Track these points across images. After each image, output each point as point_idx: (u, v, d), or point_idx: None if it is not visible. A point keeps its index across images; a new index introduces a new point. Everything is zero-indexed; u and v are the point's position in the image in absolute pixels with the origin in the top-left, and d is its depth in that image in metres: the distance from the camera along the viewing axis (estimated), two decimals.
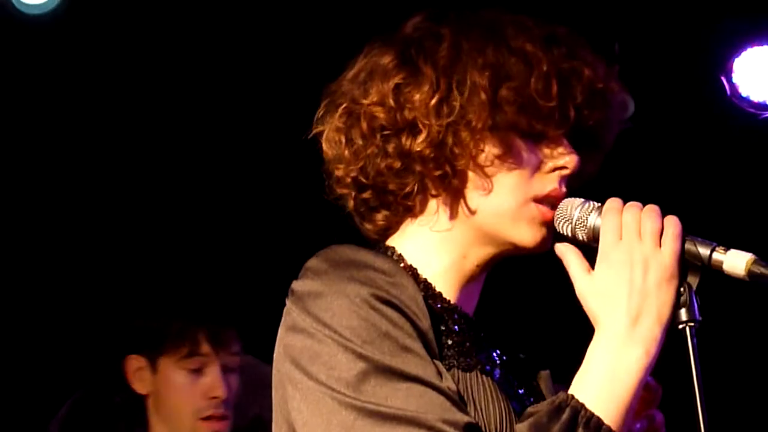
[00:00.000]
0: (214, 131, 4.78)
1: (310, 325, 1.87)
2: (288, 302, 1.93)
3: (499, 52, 1.98)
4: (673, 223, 1.90)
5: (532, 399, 2.06)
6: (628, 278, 1.87)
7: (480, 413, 1.90)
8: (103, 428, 4.00)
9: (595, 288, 1.89)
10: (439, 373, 1.85)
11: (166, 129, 4.78)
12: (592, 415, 1.80)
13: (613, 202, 1.94)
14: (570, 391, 1.84)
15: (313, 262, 1.94)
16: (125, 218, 4.89)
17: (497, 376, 2.01)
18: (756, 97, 4.73)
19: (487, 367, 2.00)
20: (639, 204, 1.93)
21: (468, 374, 1.94)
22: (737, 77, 4.72)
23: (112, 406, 4.03)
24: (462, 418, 1.80)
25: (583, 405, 1.81)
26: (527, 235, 2.01)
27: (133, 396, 3.81)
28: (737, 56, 4.72)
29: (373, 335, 1.83)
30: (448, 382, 1.84)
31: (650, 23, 4.58)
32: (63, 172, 4.79)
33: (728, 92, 4.73)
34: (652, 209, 1.91)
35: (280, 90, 4.47)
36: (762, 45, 4.73)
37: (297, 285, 1.93)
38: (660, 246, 1.88)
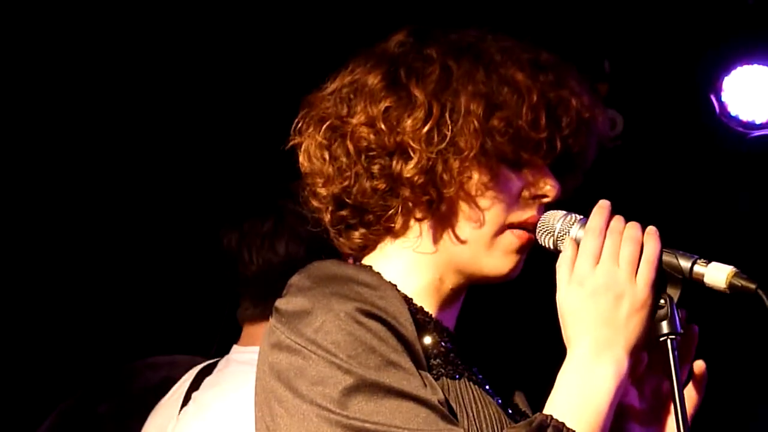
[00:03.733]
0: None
1: (296, 342, 1.87)
2: (272, 320, 1.94)
3: (491, 80, 2.00)
4: (651, 247, 1.91)
5: (510, 410, 2.07)
6: (600, 308, 1.88)
7: (472, 419, 1.92)
8: None
9: (568, 307, 1.90)
10: (427, 385, 1.85)
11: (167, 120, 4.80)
12: None
13: (595, 221, 1.94)
14: (546, 411, 1.85)
15: (296, 279, 1.95)
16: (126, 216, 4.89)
17: (478, 385, 2.02)
18: (745, 116, 4.74)
19: (475, 376, 2.02)
20: (621, 224, 1.93)
21: (457, 382, 1.95)
22: (726, 96, 4.73)
23: (96, 417, 4.04)
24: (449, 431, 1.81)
25: (563, 423, 1.82)
26: (498, 265, 2.04)
27: (118, 405, 3.82)
28: (727, 75, 4.73)
29: (359, 350, 1.84)
30: (436, 394, 1.85)
31: (640, 41, 4.59)
32: (67, 162, 4.79)
33: (717, 111, 4.74)
34: (632, 235, 1.91)
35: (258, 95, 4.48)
36: (751, 64, 4.74)
37: (281, 303, 1.94)
38: (636, 274, 1.89)
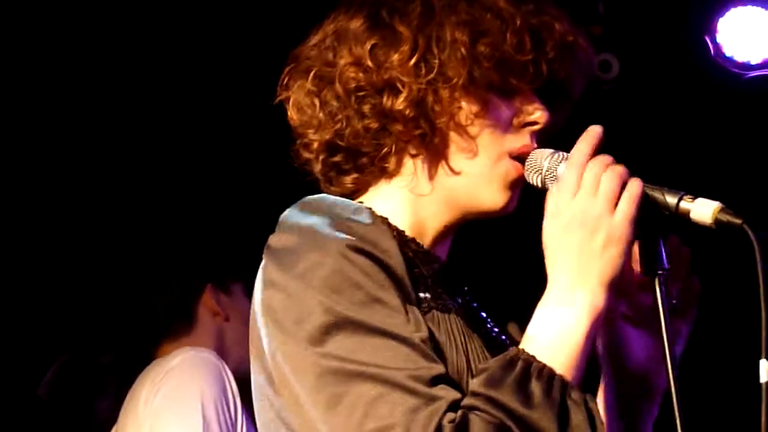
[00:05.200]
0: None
1: (284, 279, 1.88)
2: (264, 257, 1.94)
3: (473, 9, 2.00)
4: (632, 185, 1.89)
5: (504, 337, 2.10)
6: (574, 240, 1.86)
7: (462, 351, 1.92)
8: (91, 390, 4.03)
9: (546, 241, 1.90)
10: (411, 321, 1.85)
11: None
12: (544, 365, 1.81)
13: (577, 155, 1.92)
14: (521, 345, 1.86)
15: (287, 214, 1.95)
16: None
17: (470, 315, 2.05)
18: (740, 57, 4.73)
19: (461, 306, 2.04)
20: (606, 159, 1.91)
21: (447, 315, 1.96)
22: (721, 37, 4.72)
23: (99, 368, 4.06)
24: (430, 371, 1.80)
25: (533, 357, 1.82)
26: (495, 198, 2.03)
27: (120, 356, 3.84)
28: (721, 16, 4.72)
29: (345, 285, 1.83)
30: (420, 331, 1.84)
31: None
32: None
33: (712, 52, 4.73)
34: (614, 169, 1.89)
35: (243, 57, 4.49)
36: (746, 5, 4.73)
37: (272, 239, 1.94)
38: (614, 208, 1.87)
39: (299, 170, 2.12)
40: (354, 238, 1.87)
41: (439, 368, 1.82)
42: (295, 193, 2.02)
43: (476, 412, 1.77)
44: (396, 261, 1.89)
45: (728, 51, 4.73)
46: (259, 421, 1.97)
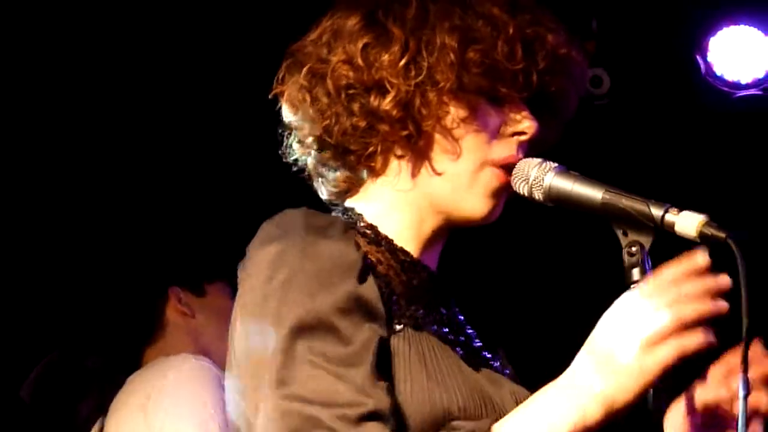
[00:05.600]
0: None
1: (254, 294, 1.88)
2: (242, 264, 1.94)
3: (467, 16, 2.01)
4: (693, 338, 1.76)
5: (486, 353, 2.08)
6: (608, 349, 1.79)
7: (431, 369, 1.91)
8: (74, 392, 4.01)
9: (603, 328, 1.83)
10: (363, 348, 1.83)
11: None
12: None
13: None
14: (499, 423, 1.84)
15: (266, 227, 1.94)
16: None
17: (452, 328, 2.04)
18: (730, 76, 4.73)
19: (443, 329, 2.02)
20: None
21: (419, 333, 1.94)
22: (712, 56, 4.73)
23: (84, 371, 4.05)
24: (358, 409, 1.77)
25: None
26: (477, 205, 2.03)
27: (104, 360, 3.84)
28: (713, 35, 4.73)
29: (307, 308, 1.83)
30: (365, 363, 1.82)
31: (628, 1, 4.60)
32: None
33: (703, 71, 4.74)
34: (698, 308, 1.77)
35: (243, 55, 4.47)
36: (737, 25, 4.73)
37: (251, 248, 1.93)
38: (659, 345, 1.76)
39: (292, 165, 2.13)
40: (327, 262, 1.86)
41: (372, 403, 1.79)
42: (270, 193, 2.02)
43: None
44: (364, 286, 1.87)
45: (719, 70, 4.74)
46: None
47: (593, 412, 1.78)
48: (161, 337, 3.65)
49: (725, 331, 1.82)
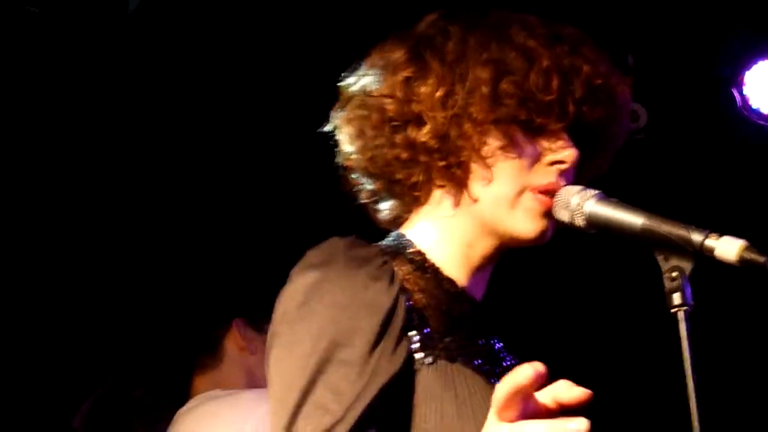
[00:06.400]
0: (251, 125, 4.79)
1: (286, 319, 1.90)
2: (286, 287, 1.94)
3: (503, 48, 2.01)
4: None
5: None
6: None
7: (463, 400, 1.90)
8: (123, 422, 4.04)
9: None
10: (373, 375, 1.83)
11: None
12: None
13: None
14: None
15: (311, 254, 1.95)
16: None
17: (483, 362, 2.01)
18: (766, 109, 4.75)
19: (478, 360, 2.00)
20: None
21: (451, 365, 1.93)
22: (748, 90, 4.75)
23: (132, 402, 4.08)
24: None
25: None
26: (525, 225, 2.02)
27: (153, 390, 3.84)
28: (748, 69, 4.75)
29: (328, 341, 1.84)
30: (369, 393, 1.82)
31: (664, 36, 4.60)
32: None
33: (739, 104, 4.76)
34: None
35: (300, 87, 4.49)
36: None
37: (294, 272, 1.94)
38: None
39: (349, 196, 2.14)
40: (359, 294, 1.87)
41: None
42: (334, 226, 2.05)
43: None
44: (391, 326, 1.88)
45: (754, 103, 4.76)
46: None
47: None
48: (216, 368, 3.59)
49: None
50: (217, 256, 4.64)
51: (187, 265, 4.62)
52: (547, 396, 1.56)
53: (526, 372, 1.53)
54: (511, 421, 1.56)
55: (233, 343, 3.60)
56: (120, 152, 4.76)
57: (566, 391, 1.56)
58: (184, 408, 3.47)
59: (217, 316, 3.63)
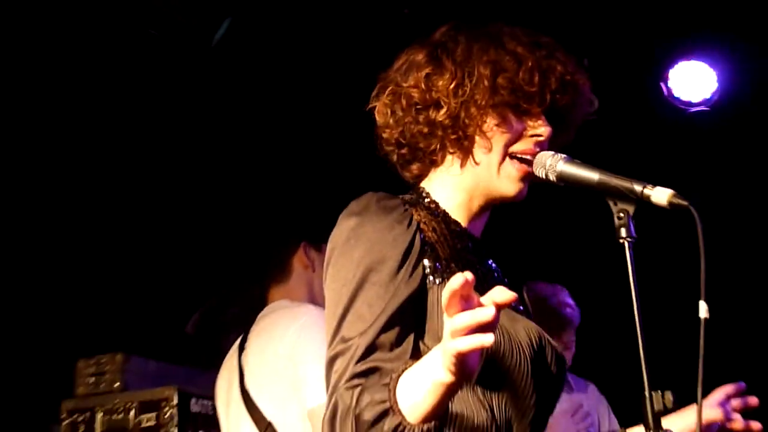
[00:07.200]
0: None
1: (337, 254, 1.90)
2: (337, 227, 1.95)
3: (498, 52, 2.00)
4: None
5: (521, 307, 2.07)
6: None
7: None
8: (222, 331, 4.06)
9: None
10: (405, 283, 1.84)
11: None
12: None
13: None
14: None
15: (352, 205, 1.95)
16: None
17: (490, 280, 2.01)
18: (685, 97, 4.76)
19: (485, 273, 2.01)
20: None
21: None
22: (672, 83, 4.76)
23: (230, 315, 4.09)
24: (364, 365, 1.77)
25: None
26: (507, 187, 2.02)
27: (243, 307, 3.80)
28: (671, 68, 4.76)
29: (365, 268, 1.85)
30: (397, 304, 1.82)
31: (610, 42, 4.56)
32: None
33: (665, 93, 4.76)
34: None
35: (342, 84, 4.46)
36: (690, 60, 4.76)
37: (342, 216, 1.95)
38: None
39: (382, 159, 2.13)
40: (381, 237, 1.88)
41: (378, 361, 1.79)
42: (372, 182, 2.05)
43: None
44: (412, 253, 1.88)
45: (677, 93, 4.76)
46: None
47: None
48: (286, 281, 3.47)
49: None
50: (288, 194, 4.61)
51: (266, 200, 4.54)
52: (487, 299, 1.57)
53: (458, 279, 1.54)
54: (453, 315, 1.57)
55: (299, 262, 3.49)
56: (213, 143, 4.72)
57: (498, 294, 1.57)
58: (260, 314, 3.44)
59: (287, 240, 3.53)
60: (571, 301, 4.00)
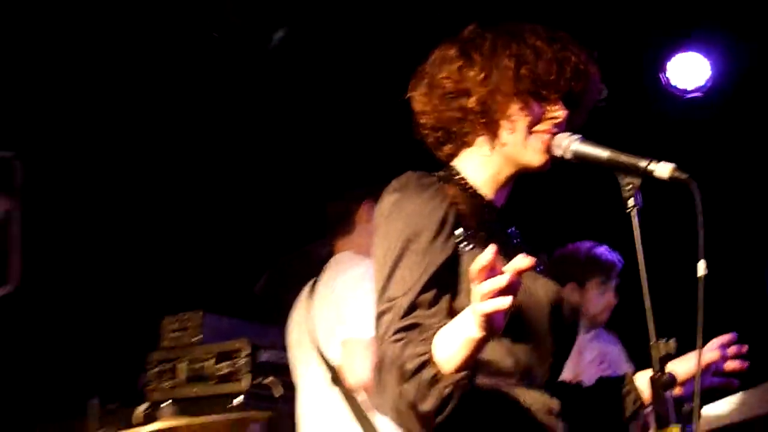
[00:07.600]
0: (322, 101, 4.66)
1: (381, 225, 1.91)
2: (380, 202, 1.95)
3: (520, 47, 1.99)
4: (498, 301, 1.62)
5: (541, 267, 2.03)
6: None
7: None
8: (289, 288, 4.04)
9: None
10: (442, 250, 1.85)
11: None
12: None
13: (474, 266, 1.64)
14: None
15: (394, 182, 1.96)
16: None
17: (512, 247, 1.99)
18: (682, 86, 4.70)
19: (507, 239, 2.01)
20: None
21: (483, 250, 1.79)
22: (670, 73, 4.69)
23: (296, 274, 4.05)
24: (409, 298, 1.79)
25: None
26: (533, 157, 2.01)
27: (311, 267, 3.63)
28: (669, 60, 4.69)
29: (405, 238, 1.85)
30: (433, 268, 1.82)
31: (615, 37, 4.45)
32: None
33: (664, 82, 4.70)
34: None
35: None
36: (686, 52, 4.69)
37: (385, 192, 1.95)
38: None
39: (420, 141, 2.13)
40: (426, 205, 1.88)
41: (420, 317, 1.79)
42: (411, 161, 2.04)
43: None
44: (447, 222, 1.88)
45: (674, 82, 4.70)
46: None
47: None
48: (350, 234, 3.39)
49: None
50: (353, 163, 4.53)
51: (333, 168, 4.49)
52: (510, 266, 1.61)
53: (486, 255, 1.60)
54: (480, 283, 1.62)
55: (362, 217, 3.40)
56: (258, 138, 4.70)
57: (519, 262, 1.62)
58: (326, 264, 3.40)
59: (353, 197, 3.44)
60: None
